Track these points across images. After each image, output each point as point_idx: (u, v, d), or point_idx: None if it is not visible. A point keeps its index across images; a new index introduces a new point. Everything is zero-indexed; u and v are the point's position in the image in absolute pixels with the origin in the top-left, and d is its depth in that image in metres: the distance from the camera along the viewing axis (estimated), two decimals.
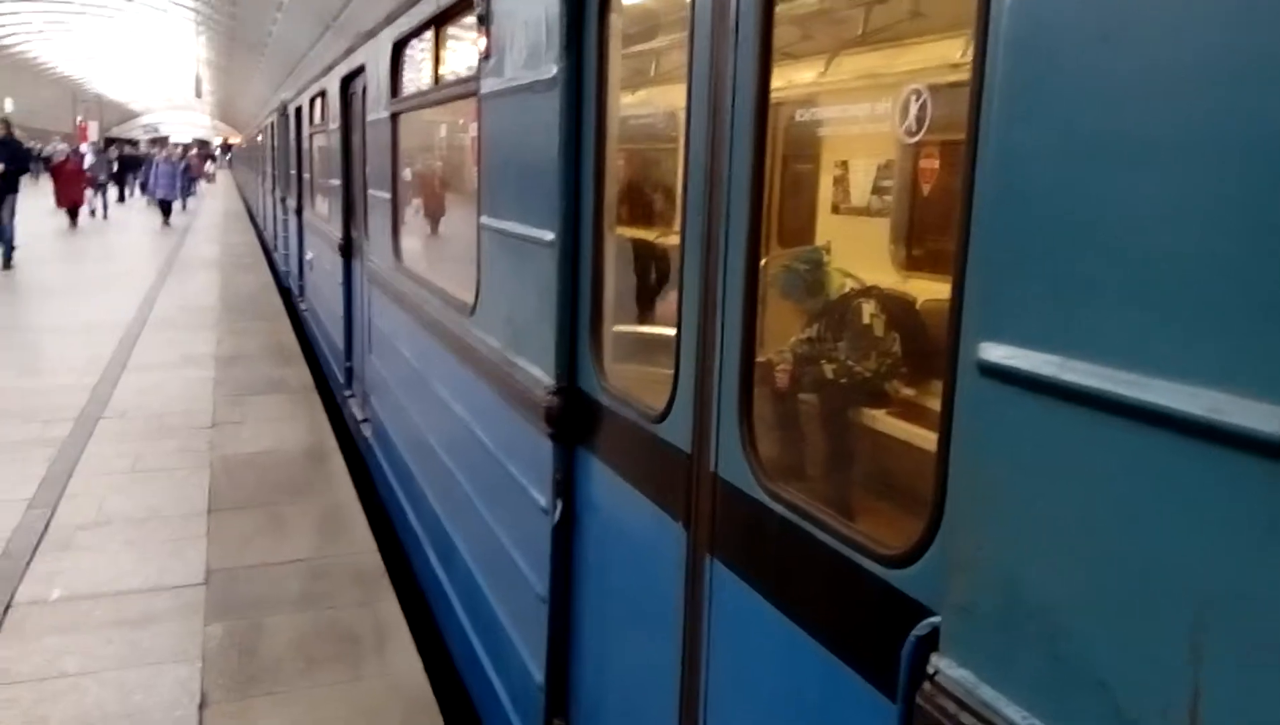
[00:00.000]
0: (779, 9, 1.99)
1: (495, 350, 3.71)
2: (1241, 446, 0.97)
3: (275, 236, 18.49)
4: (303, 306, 13.09)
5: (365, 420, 7.53)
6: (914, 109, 2.90)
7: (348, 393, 8.56)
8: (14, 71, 63.24)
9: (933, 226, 3.39)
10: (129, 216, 30.97)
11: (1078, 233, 1.17)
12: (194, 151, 50.65)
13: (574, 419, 3.05)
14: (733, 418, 2.12)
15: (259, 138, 27.80)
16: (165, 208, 28.32)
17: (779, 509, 1.97)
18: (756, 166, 2.05)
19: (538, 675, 3.32)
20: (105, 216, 29.35)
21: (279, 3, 13.03)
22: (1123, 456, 1.12)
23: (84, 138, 53.77)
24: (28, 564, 5.33)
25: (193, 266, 18.63)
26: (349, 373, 8.55)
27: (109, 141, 47.86)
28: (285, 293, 15.62)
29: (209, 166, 57.59)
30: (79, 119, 65.25)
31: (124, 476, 6.75)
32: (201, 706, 4.02)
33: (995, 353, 1.29)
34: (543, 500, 3.23)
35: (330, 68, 8.98)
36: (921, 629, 1.49)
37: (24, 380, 9.41)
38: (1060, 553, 1.21)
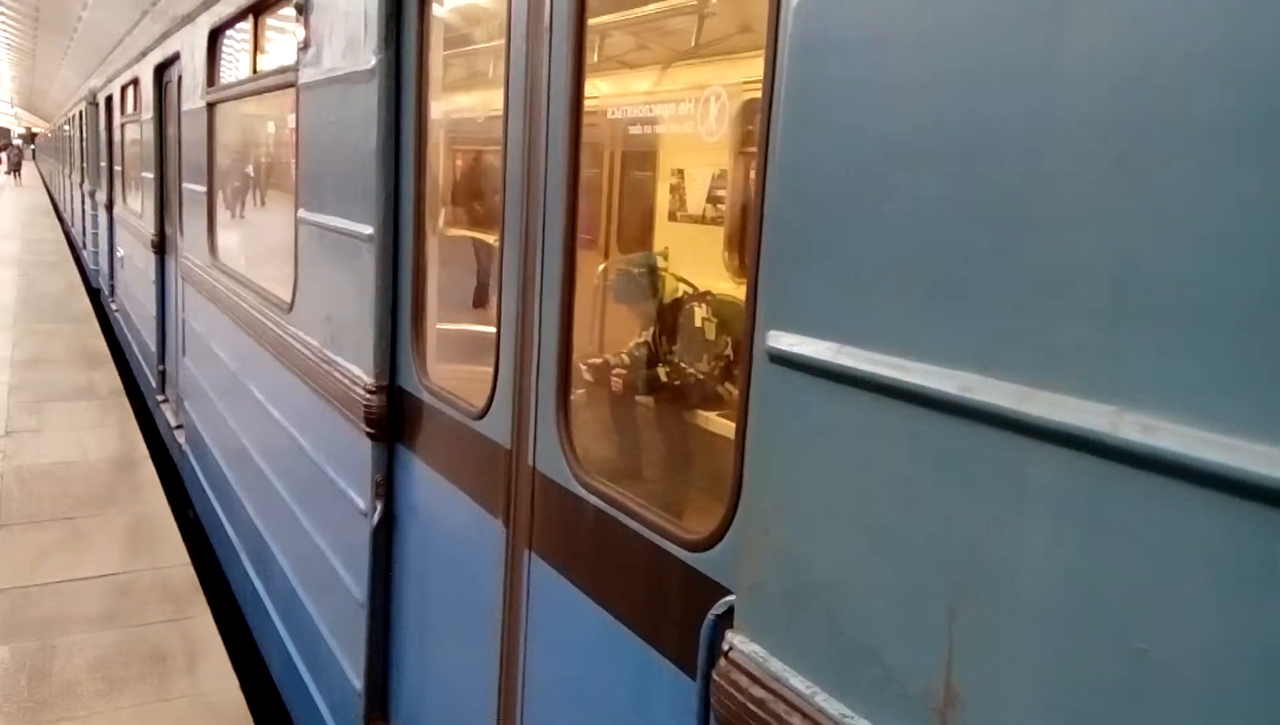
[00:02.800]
0: (598, 20, 2.07)
1: (314, 348, 3.61)
2: (991, 423, 1.05)
3: (84, 233, 17.54)
4: (113, 307, 12.50)
5: (179, 426, 7.18)
6: (739, 119, 2.96)
7: (160, 398, 8.16)
8: None
9: None
10: None
11: (852, 230, 1.24)
12: None
13: (394, 418, 3.00)
14: (550, 414, 2.14)
15: (65, 127, 25.93)
16: None
17: (593, 500, 1.98)
18: (572, 170, 2.07)
19: (356, 682, 3.24)
20: None
21: None
22: (890, 436, 1.19)
23: None
24: None
25: None
26: (162, 376, 8.17)
27: None
28: (95, 294, 14.60)
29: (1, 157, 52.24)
30: None
31: None
32: None
33: (782, 341, 1.35)
34: (362, 503, 3.16)
35: (144, 54, 8.63)
36: (719, 608, 1.53)
37: None
38: (837, 530, 1.27)
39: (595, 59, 2.96)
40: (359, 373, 3.13)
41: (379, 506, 3.07)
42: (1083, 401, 0.95)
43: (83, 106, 17.64)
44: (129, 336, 10.68)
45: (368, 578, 3.11)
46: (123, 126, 11.05)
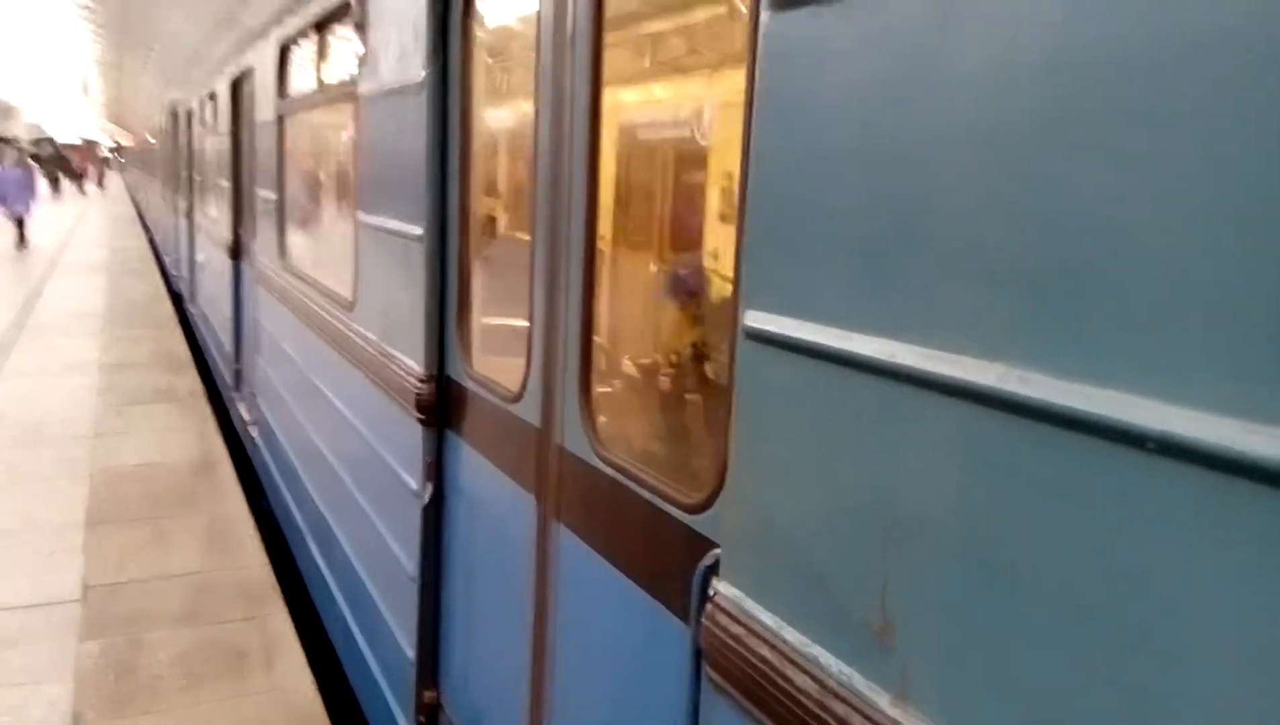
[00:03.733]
0: (616, 34, 2.22)
1: (372, 342, 3.85)
2: (914, 383, 1.24)
3: (166, 240, 18.26)
4: (193, 310, 12.95)
5: (253, 422, 7.50)
6: None
7: (236, 395, 8.49)
8: None
9: None
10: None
11: (808, 222, 1.44)
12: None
13: (442, 404, 3.24)
14: (575, 396, 2.34)
15: (150, 139, 26.96)
16: (20, 223, 22.28)
17: (610, 473, 2.20)
18: (592, 175, 2.27)
19: (409, 651, 3.45)
20: None
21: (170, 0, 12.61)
22: (834, 398, 1.39)
23: None
24: None
25: (78, 271, 17.83)
26: (237, 375, 8.47)
27: None
28: (177, 300, 15.11)
29: (90, 171, 53.85)
30: None
31: None
32: None
33: (756, 319, 1.54)
34: (414, 483, 3.38)
35: (221, 68, 9.08)
36: (708, 560, 1.73)
37: None
38: (797, 485, 1.48)
39: (647, 64, 3.08)
40: (411, 364, 3.36)
41: (429, 487, 3.30)
42: (977, 360, 1.14)
43: (165, 119, 18.30)
44: (207, 338, 11.12)
45: (419, 554, 3.33)
46: (202, 137, 11.57)
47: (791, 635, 1.45)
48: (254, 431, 7.39)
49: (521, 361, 2.62)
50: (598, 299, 2.35)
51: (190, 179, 13.02)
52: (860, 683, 1.32)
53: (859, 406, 1.34)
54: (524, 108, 2.71)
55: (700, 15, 3.23)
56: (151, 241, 24.03)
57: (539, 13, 2.51)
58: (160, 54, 17.38)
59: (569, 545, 2.43)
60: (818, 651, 1.40)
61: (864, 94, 1.33)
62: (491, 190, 3.40)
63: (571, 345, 2.36)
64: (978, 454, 1.15)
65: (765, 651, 1.48)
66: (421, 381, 3.25)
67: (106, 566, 5.32)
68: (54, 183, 47.39)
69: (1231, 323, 0.87)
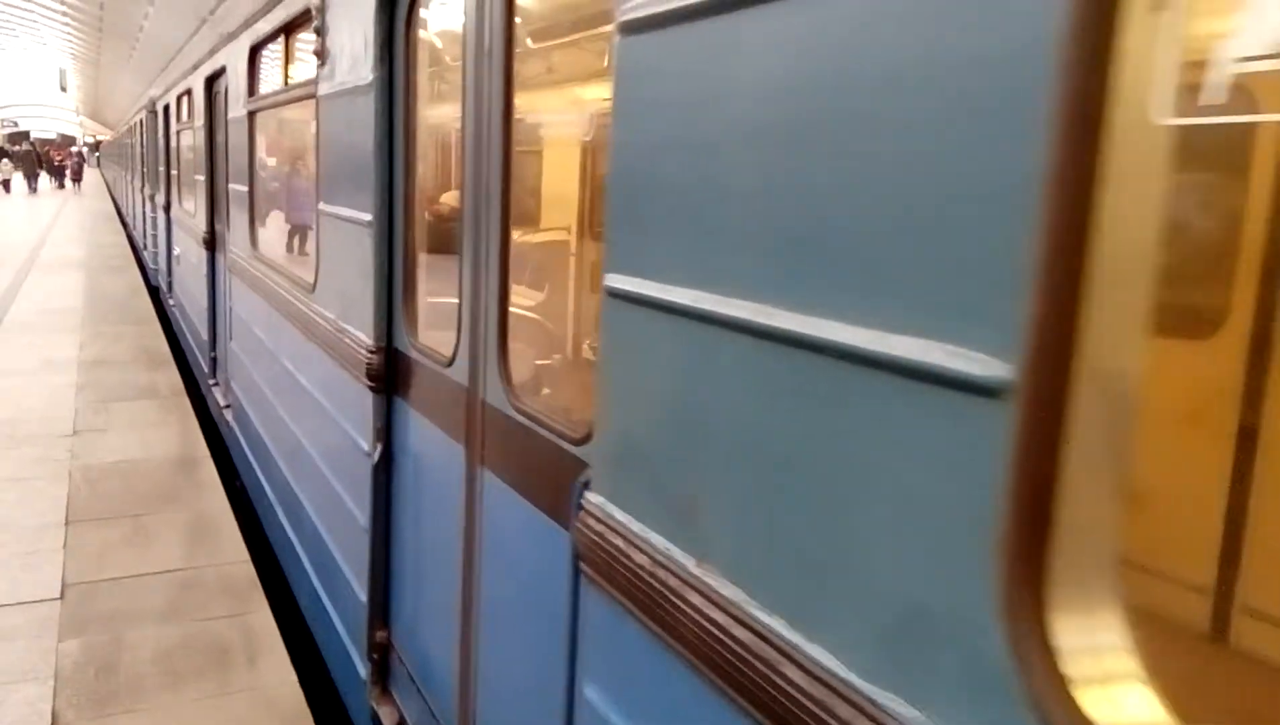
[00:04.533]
0: (529, 46, 2.65)
1: (330, 321, 4.25)
2: (731, 328, 1.56)
3: (145, 235, 18.49)
4: (171, 303, 13.28)
5: (228, 406, 7.88)
6: None
7: (212, 382, 8.86)
8: None
9: None
10: None
11: (647, 201, 1.81)
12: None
13: (390, 373, 3.62)
14: (494, 358, 2.74)
15: (127, 136, 27.03)
16: None
17: (521, 419, 2.57)
18: (505, 169, 2.65)
19: (362, 595, 3.85)
20: None
21: None
22: (671, 340, 1.74)
23: None
24: None
25: (55, 268, 17.65)
26: (213, 362, 8.84)
27: None
28: (157, 295, 14.98)
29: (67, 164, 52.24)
30: None
31: None
32: None
33: (613, 280, 1.91)
34: (365, 445, 3.76)
35: (196, 67, 9.44)
36: (582, 477, 2.12)
37: None
38: (641, 407, 1.87)
39: (606, 65, 3.51)
40: (363, 337, 3.74)
41: (379, 447, 3.67)
42: (756, 304, 1.51)
43: (143, 115, 18.60)
44: (185, 329, 11.47)
45: (370, 508, 3.72)
46: (179, 133, 11.96)
47: (635, 526, 1.86)
48: (229, 415, 7.78)
49: (453, 332, 3.00)
50: (511, 277, 2.73)
51: (168, 174, 13.35)
52: (677, 553, 1.73)
53: (680, 344, 1.73)
54: (456, 110, 3.03)
55: (591, 35, 3.53)
56: (130, 237, 23.84)
57: (465, 27, 2.86)
58: (141, 51, 17.33)
59: (491, 485, 2.83)
60: (651, 535, 1.81)
61: (679, 100, 1.71)
62: (432, 181, 3.81)
63: (492, 316, 2.75)
64: (755, 373, 1.54)
65: (618, 541, 1.90)
66: (371, 352, 3.63)
67: (86, 564, 5.26)
68: (31, 179, 46.68)
69: (915, 276, 1.23)
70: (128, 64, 23.37)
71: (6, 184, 42.02)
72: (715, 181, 1.61)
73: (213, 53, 8.15)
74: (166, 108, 13.33)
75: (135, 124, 22.42)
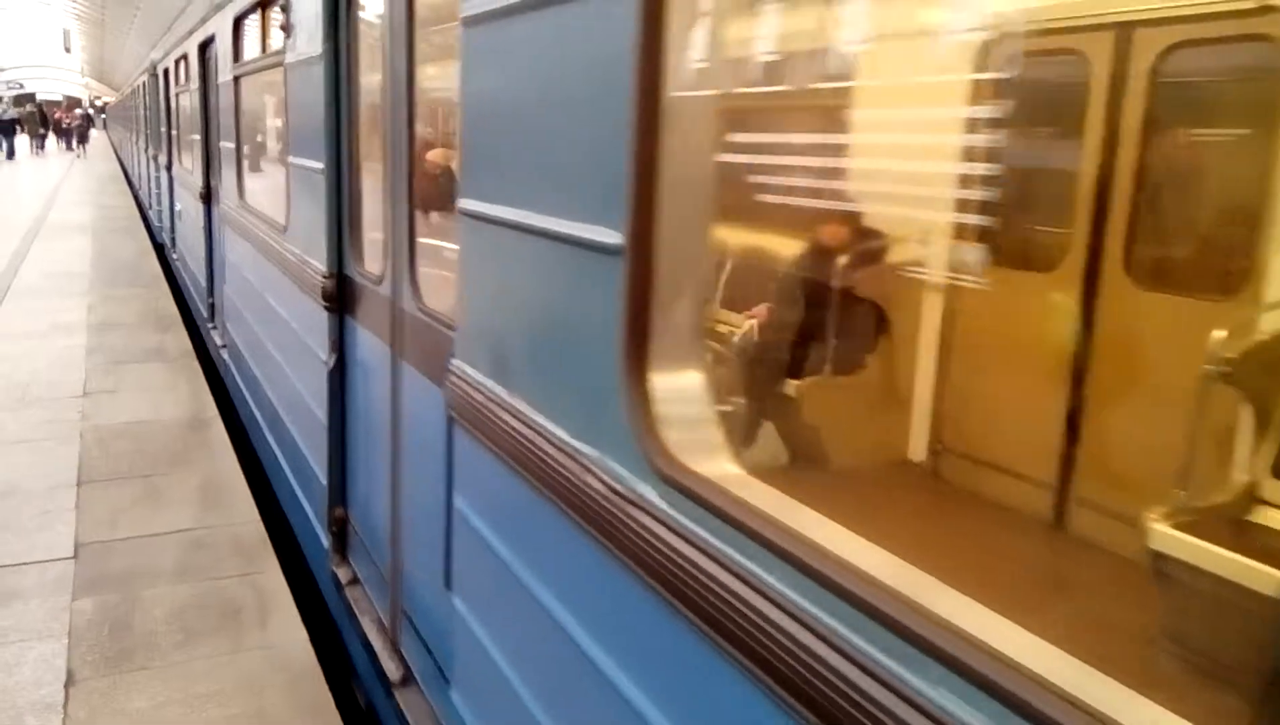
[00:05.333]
0: (428, 31, 3.41)
1: (296, 255, 5.01)
2: (517, 228, 2.31)
3: (149, 195, 19.19)
4: (174, 257, 14.00)
5: (224, 346, 8.67)
6: None
7: (211, 325, 9.65)
8: None
9: None
10: None
11: (480, 145, 2.61)
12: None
13: (341, 295, 4.35)
14: (406, 274, 3.49)
15: (132, 98, 27.30)
16: None
17: (425, 318, 3.31)
18: (409, 126, 3.43)
19: (323, 478, 4.61)
20: None
21: None
22: (505, 248, 2.44)
23: None
24: None
25: (63, 232, 17.64)
26: (211, 307, 9.65)
27: None
28: (161, 252, 14.99)
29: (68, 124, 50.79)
30: None
31: None
32: (68, 684, 3.83)
33: (464, 204, 2.65)
34: (323, 355, 4.51)
35: (191, 33, 10.23)
36: (453, 349, 2.81)
37: None
38: (480, 293, 2.64)
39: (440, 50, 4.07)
40: (320, 266, 4.45)
41: (333, 356, 4.43)
42: (524, 211, 2.27)
43: (145, 78, 19.41)
44: (186, 280, 12.29)
45: (327, 406, 4.47)
46: (177, 96, 12.76)
47: (479, 376, 2.59)
48: (225, 354, 8.59)
49: (383, 256, 3.74)
50: (418, 212, 3.48)
51: (169, 135, 14.08)
52: (499, 388, 2.46)
53: (496, 246, 2.49)
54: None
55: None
56: (137, 199, 23.81)
57: (386, 9, 3.57)
58: (144, 13, 17.38)
59: (408, 373, 3.54)
60: (485, 381, 2.54)
61: (493, 76, 2.47)
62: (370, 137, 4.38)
63: (404, 242, 3.50)
64: (528, 256, 2.30)
65: (466, 387, 2.63)
66: (326, 278, 4.37)
67: (99, 524, 5.31)
68: (39, 141, 46.36)
69: (587, 193, 1.99)
70: (131, 26, 23.21)
71: (11, 150, 41.58)
72: (507, 136, 2.41)
73: (204, 22, 8.89)
74: (166, 71, 13.98)
75: (138, 86, 22.93)
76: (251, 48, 6.86)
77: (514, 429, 2.32)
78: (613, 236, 1.85)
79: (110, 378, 8.15)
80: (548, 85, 2.15)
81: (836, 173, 3.93)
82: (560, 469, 2.09)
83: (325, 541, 4.62)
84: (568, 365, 2.11)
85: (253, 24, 6.70)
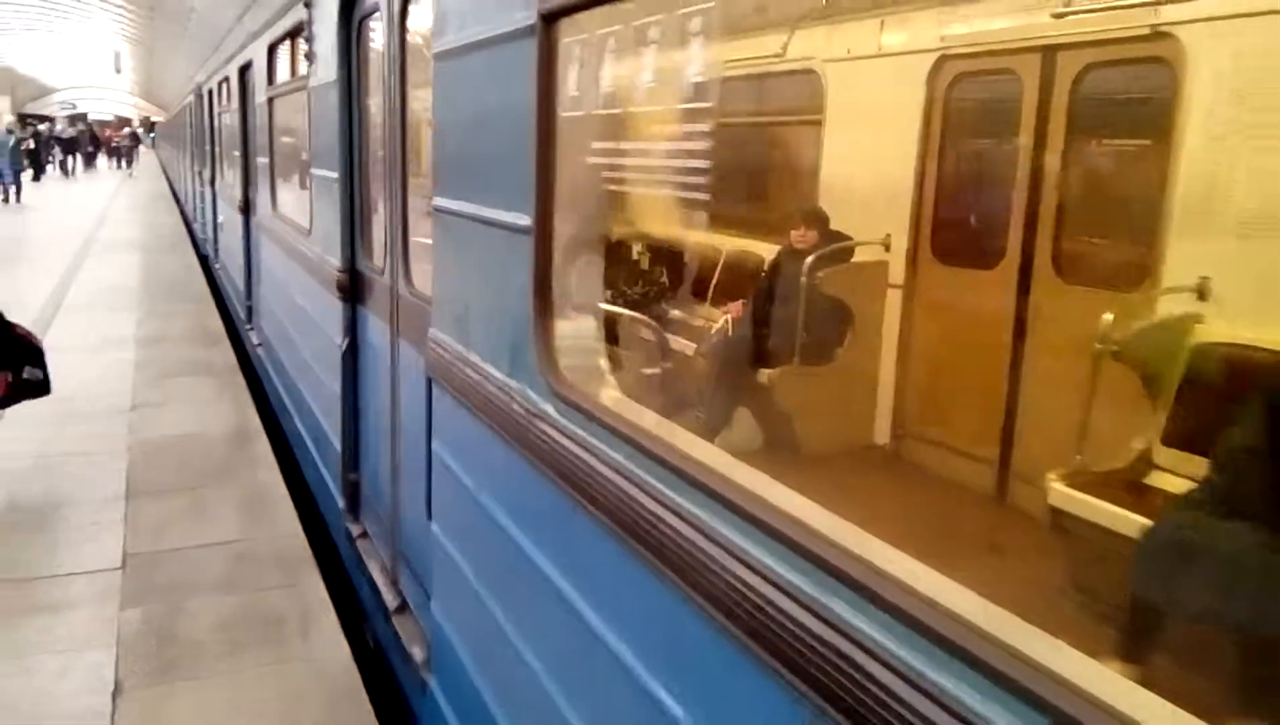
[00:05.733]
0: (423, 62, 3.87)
1: (317, 253, 5.78)
2: (464, 217, 3.00)
3: (194, 209, 20.50)
4: (217, 266, 14.84)
5: (259, 344, 9.49)
6: None
7: (248, 326, 10.43)
8: None
9: None
10: (49, 195, 29.84)
11: (449, 152, 3.17)
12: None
13: (354, 287, 5.05)
14: (400, 264, 4.21)
15: (179, 118, 28.34)
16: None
17: (415, 300, 3.99)
18: (403, 139, 4.13)
19: (338, 445, 5.33)
20: (18, 200, 27.91)
21: None
22: (463, 235, 3.04)
23: None
24: None
25: (113, 248, 18.03)
26: (249, 310, 10.46)
27: (22, 118, 45.82)
28: (211, 276, 15.26)
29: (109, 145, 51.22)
30: None
31: (37, 461, 6.51)
32: (115, 694, 3.89)
33: (437, 201, 3.25)
34: (338, 339, 5.21)
35: (230, 59, 11.26)
36: (431, 322, 3.39)
37: None
38: (450, 275, 3.23)
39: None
40: (336, 263, 5.15)
41: (346, 340, 5.13)
42: (469, 203, 2.94)
43: (191, 99, 20.80)
44: (227, 287, 13.27)
45: (341, 382, 5.19)
46: (220, 116, 13.64)
47: (444, 337, 3.20)
48: (261, 352, 9.37)
49: (384, 251, 4.45)
50: (410, 214, 4.11)
51: (212, 152, 15.03)
52: (461, 347, 3.05)
53: (458, 233, 3.07)
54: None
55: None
56: (184, 216, 24.28)
57: (384, 42, 4.25)
58: (192, 33, 17.98)
59: (403, 348, 4.20)
60: (453, 343, 3.12)
61: (454, 99, 3.11)
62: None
63: (398, 238, 4.21)
64: (473, 240, 2.92)
65: (439, 349, 3.23)
66: (341, 272, 5.08)
67: (146, 536, 5.40)
68: (89, 159, 47.36)
69: (509, 187, 2.59)
70: (179, 46, 23.74)
71: (63, 165, 42.51)
72: (463, 145, 3.07)
73: (243, 48, 9.81)
74: (210, 92, 14.96)
75: (186, 106, 23.90)
76: (284, 73, 7.56)
77: (471, 378, 2.92)
78: (524, 219, 2.49)
79: (158, 391, 8.30)
80: (485, 106, 2.79)
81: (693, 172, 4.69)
82: (498, 402, 2.69)
83: (340, 502, 5.31)
84: (501, 321, 2.71)
85: (285, 52, 7.42)
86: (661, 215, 4.27)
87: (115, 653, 4.19)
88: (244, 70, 9.73)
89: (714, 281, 6.88)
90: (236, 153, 10.72)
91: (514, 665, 2.66)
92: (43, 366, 5.82)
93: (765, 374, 5.25)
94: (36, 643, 4.25)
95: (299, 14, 5.97)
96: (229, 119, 11.91)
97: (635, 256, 6.34)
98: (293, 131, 7.54)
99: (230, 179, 11.95)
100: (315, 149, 5.72)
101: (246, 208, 10.12)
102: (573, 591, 2.32)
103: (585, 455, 2.18)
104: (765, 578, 1.57)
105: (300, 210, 6.46)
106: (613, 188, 2.78)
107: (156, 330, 10.81)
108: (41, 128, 43.54)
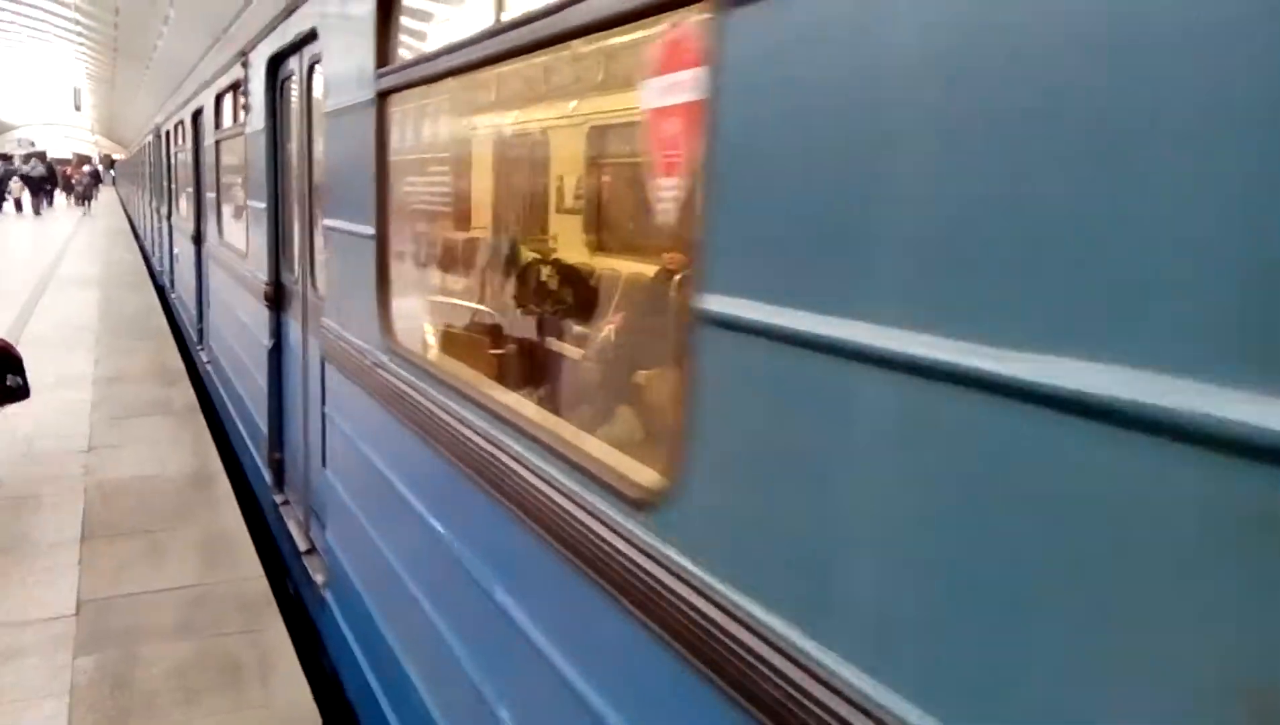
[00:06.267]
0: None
1: (250, 271, 6.80)
2: (346, 234, 3.93)
3: (153, 244, 21.37)
4: (173, 296, 15.69)
5: (209, 361, 10.32)
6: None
7: (199, 346, 11.36)
8: None
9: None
10: (5, 231, 29.37)
11: (334, 184, 4.22)
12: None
13: (278, 296, 6.03)
14: (307, 276, 5.23)
15: (140, 155, 28.72)
16: None
17: (318, 300, 4.54)
18: (311, 177, 5.08)
19: (264, 431, 6.35)
20: None
21: (164, 16, 12.72)
22: (338, 244, 4.11)
23: None
24: None
25: (71, 285, 17.77)
26: (200, 331, 11.36)
27: None
28: (170, 312, 15.09)
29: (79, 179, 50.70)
30: None
31: None
32: None
33: (325, 221, 4.28)
34: (265, 340, 6.20)
35: (185, 103, 12.55)
36: (323, 313, 4.40)
37: None
38: (335, 274, 4.26)
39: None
40: (264, 277, 6.21)
41: (272, 341, 6.10)
42: (346, 221, 3.91)
43: (149, 138, 21.79)
44: (181, 315, 14.11)
45: (268, 377, 6.13)
46: (176, 155, 14.89)
47: (332, 325, 4.20)
48: (210, 368, 10.25)
49: (299, 266, 5.48)
50: (316, 234, 4.82)
51: (169, 187, 16.13)
52: (338, 327, 4.11)
53: (335, 244, 4.11)
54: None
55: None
56: (143, 251, 24.05)
57: (296, 98, 5.40)
58: (155, 72, 18.15)
59: (311, 343, 4.92)
60: (335, 326, 4.15)
61: (336, 146, 4.12)
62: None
63: (307, 253, 5.23)
64: (347, 250, 3.90)
65: (329, 336, 3.97)
66: (268, 284, 6.11)
67: (101, 581, 5.28)
68: (48, 197, 46.61)
69: (357, 205, 3.74)
70: (141, 84, 23.67)
71: (19, 203, 41.85)
72: (339, 178, 3.85)
73: (195, 95, 11.07)
74: (167, 133, 16.38)
75: (144, 145, 24.92)
76: (229, 119, 8.77)
77: (344, 349, 3.93)
78: (369, 230, 3.48)
79: (115, 432, 8.16)
80: (351, 151, 3.72)
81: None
82: (359, 362, 3.69)
83: (268, 478, 6.33)
84: (360, 304, 3.65)
85: (229, 102, 8.73)
86: (444, 222, 5.70)
87: (68, 702, 4.09)
88: (196, 115, 11.00)
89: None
90: (190, 189, 11.88)
91: (384, 571, 3.50)
92: (22, 373, 6.65)
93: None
94: None
95: (238, 72, 7.15)
96: (184, 157, 13.14)
97: (544, 278, 6.70)
98: (235, 170, 8.45)
99: (185, 212, 13.09)
100: (250, 184, 6.79)
101: (198, 238, 11.05)
102: (415, 500, 3.14)
103: (406, 387, 3.16)
104: (544, 479, 2.19)
105: (240, 237, 7.50)
106: (417, 206, 4.20)
107: (114, 368, 10.65)
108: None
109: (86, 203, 46.48)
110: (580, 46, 2.94)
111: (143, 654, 4.52)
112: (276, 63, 5.80)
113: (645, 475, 1.87)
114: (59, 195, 49.80)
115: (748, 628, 1.45)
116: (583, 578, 1.99)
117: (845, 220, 1.27)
